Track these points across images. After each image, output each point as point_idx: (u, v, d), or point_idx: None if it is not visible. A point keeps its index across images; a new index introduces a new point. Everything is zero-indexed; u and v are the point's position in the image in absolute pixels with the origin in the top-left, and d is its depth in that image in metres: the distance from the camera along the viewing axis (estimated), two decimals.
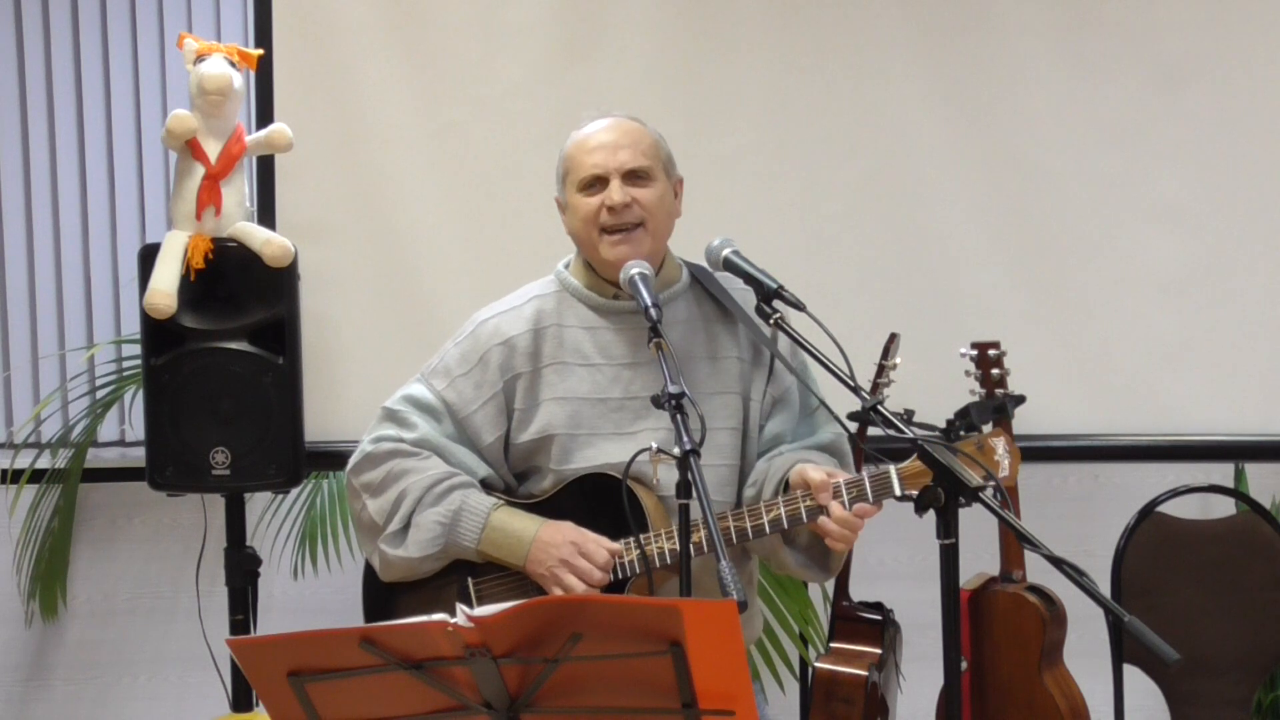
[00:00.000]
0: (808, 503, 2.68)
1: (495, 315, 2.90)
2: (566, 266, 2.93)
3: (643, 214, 2.79)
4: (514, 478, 2.90)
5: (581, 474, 2.80)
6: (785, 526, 2.71)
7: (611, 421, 2.81)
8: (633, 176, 2.80)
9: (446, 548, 2.77)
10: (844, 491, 2.67)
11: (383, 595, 2.88)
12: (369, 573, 2.91)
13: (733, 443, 2.85)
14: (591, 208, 2.79)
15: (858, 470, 2.84)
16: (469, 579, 2.81)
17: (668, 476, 2.72)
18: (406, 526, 2.79)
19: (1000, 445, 2.71)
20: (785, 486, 2.75)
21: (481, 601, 2.78)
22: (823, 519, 2.67)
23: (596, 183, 2.80)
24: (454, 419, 2.85)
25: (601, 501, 2.77)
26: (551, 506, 2.81)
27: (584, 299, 2.87)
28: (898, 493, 2.67)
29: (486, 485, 2.85)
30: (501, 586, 2.79)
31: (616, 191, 2.77)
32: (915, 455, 2.60)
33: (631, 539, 2.74)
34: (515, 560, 2.76)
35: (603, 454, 2.79)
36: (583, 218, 2.81)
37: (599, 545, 2.73)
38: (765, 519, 2.71)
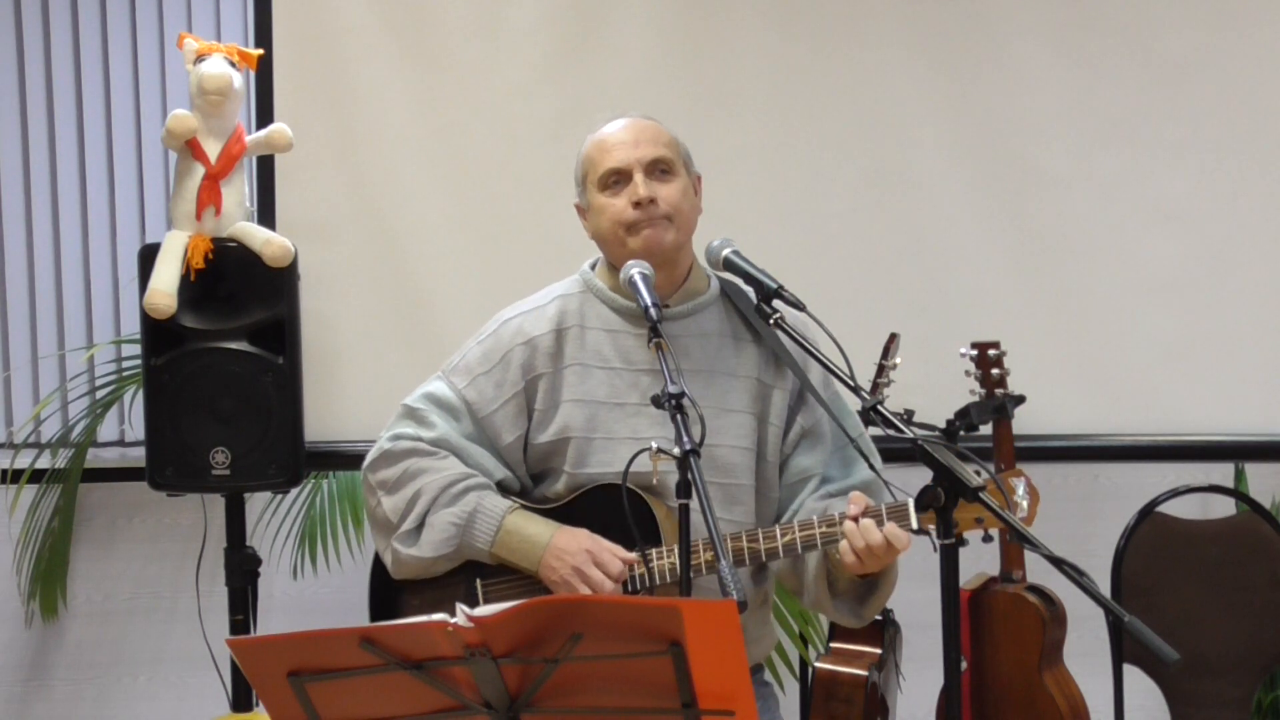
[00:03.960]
0: (823, 529, 2.66)
1: (519, 314, 2.87)
2: (593, 267, 2.90)
3: (668, 209, 2.75)
4: (530, 479, 2.88)
5: (597, 482, 2.78)
6: (799, 551, 2.69)
7: (628, 426, 2.78)
8: (655, 169, 2.76)
9: (460, 549, 2.76)
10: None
11: (389, 593, 2.87)
12: (377, 570, 2.89)
13: (745, 462, 2.82)
14: (617, 206, 2.75)
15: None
16: (478, 580, 2.80)
17: (669, 484, 2.71)
18: (420, 526, 2.77)
19: (1021, 486, 2.64)
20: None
21: (488, 603, 2.76)
22: (841, 544, 2.62)
23: (618, 178, 2.76)
24: (473, 418, 2.82)
25: (616, 511, 2.74)
26: (566, 513, 2.79)
27: (607, 301, 2.84)
28: (914, 526, 2.62)
29: (503, 488, 2.84)
30: (510, 589, 2.78)
31: (642, 185, 2.73)
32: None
33: (647, 550, 2.72)
34: (528, 565, 2.74)
35: (617, 459, 2.75)
36: (610, 217, 2.76)
37: (613, 555, 2.71)
38: (780, 542, 2.69)
